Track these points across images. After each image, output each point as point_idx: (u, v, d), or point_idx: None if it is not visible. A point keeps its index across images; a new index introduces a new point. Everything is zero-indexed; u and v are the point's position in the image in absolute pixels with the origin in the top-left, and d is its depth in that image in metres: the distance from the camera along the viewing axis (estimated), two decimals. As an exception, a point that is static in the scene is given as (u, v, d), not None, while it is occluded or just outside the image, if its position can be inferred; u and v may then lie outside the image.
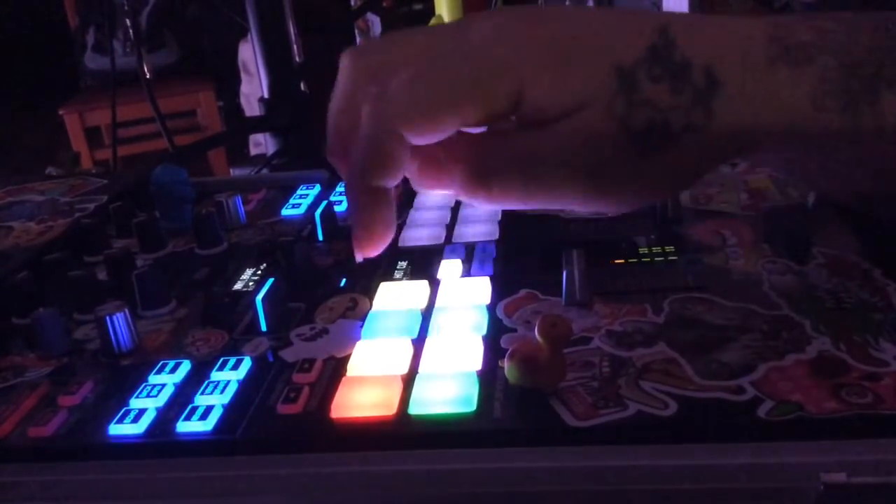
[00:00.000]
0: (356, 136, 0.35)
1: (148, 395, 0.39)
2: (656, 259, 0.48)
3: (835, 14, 0.34)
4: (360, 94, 0.35)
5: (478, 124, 0.34)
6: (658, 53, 0.32)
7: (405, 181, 0.37)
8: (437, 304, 0.45)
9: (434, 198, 0.60)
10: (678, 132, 0.33)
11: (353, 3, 1.83)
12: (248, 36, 0.96)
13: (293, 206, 0.64)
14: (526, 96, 0.33)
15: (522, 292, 0.46)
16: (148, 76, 1.13)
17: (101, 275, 0.54)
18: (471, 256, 0.51)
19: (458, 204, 0.59)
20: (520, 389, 0.37)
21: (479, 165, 0.35)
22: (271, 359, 0.42)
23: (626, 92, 0.32)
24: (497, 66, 0.33)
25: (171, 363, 0.42)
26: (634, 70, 0.32)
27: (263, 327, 0.45)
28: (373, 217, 0.36)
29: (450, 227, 0.55)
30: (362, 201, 0.35)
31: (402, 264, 0.51)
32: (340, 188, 0.66)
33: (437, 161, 0.36)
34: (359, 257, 0.37)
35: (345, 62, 0.36)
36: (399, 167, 0.35)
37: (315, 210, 0.57)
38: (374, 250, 0.37)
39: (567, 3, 1.23)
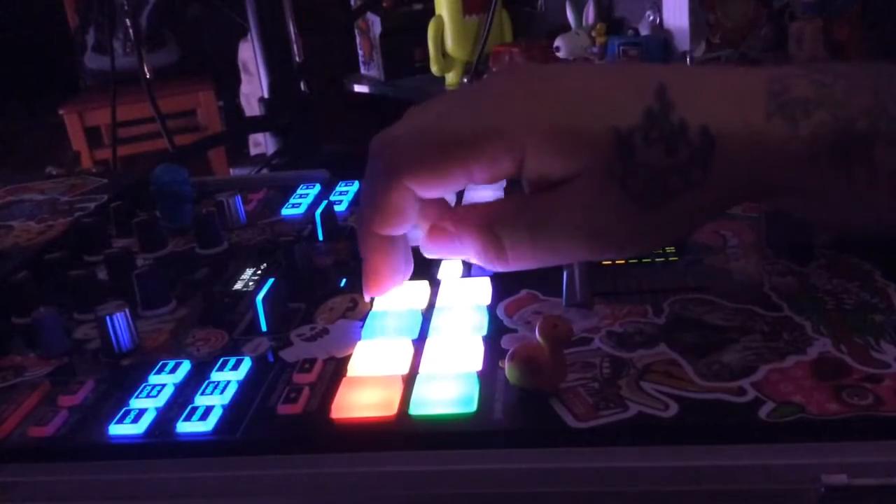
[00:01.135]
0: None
1: (148, 396, 0.39)
2: (657, 260, 0.48)
3: (833, 67, 0.34)
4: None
5: (485, 182, 0.35)
6: (655, 116, 0.33)
7: None
8: (438, 304, 0.45)
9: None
10: (676, 190, 0.33)
11: (353, 3, 1.83)
12: (248, 36, 0.96)
13: (293, 206, 0.64)
14: (528, 161, 0.33)
15: (523, 293, 0.46)
16: (148, 76, 1.13)
17: (101, 274, 0.54)
18: (471, 257, 0.50)
19: (458, 202, 0.58)
20: (520, 390, 0.37)
21: (491, 228, 0.35)
22: (271, 359, 0.42)
23: (624, 155, 0.33)
24: (498, 130, 0.33)
25: (171, 363, 0.42)
26: (631, 134, 0.33)
27: (263, 327, 0.45)
28: (377, 263, 0.37)
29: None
30: (369, 246, 0.37)
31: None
32: (340, 188, 0.66)
33: (445, 231, 0.36)
34: (366, 297, 0.38)
35: (373, 148, 0.36)
36: (403, 219, 0.36)
37: (315, 210, 0.57)
38: (381, 292, 0.38)
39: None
